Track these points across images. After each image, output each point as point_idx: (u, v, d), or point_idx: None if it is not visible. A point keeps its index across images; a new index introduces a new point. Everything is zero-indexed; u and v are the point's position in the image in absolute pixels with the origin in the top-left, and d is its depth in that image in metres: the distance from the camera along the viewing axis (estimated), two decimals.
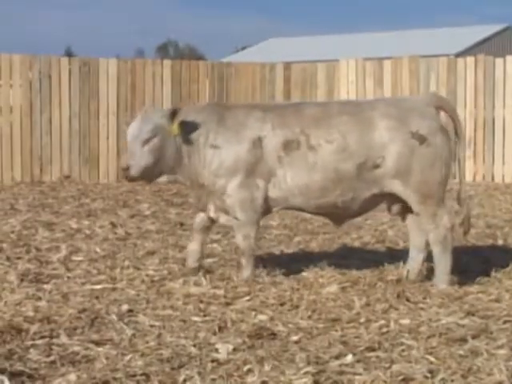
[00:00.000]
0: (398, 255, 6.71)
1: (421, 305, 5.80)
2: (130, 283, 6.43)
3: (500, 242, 8.24)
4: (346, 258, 7.18)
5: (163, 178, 6.98)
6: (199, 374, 4.41)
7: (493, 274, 6.69)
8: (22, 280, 6.44)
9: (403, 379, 4.36)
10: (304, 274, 6.62)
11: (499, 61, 14.45)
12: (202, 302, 5.86)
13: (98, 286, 6.30)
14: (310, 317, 5.50)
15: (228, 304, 5.83)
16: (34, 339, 4.96)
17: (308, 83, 15.45)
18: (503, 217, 9.98)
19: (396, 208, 6.57)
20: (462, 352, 4.76)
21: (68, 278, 6.60)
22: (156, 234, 8.73)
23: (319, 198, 6.40)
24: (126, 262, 7.14)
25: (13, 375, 4.33)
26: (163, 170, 6.53)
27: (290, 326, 5.30)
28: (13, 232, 8.66)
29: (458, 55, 29.63)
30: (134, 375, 4.39)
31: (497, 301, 5.94)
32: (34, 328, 5.14)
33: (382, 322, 5.37)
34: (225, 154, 6.43)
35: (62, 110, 13.87)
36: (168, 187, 12.44)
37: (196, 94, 14.68)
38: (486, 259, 7.17)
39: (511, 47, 45.03)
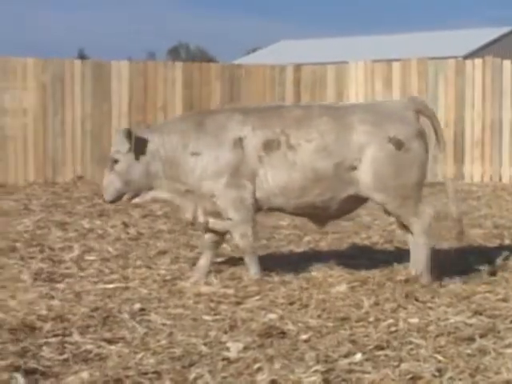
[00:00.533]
0: (407, 255, 6.73)
1: (429, 304, 5.83)
2: (141, 282, 6.49)
3: (507, 242, 8.26)
4: (355, 258, 7.22)
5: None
6: (210, 372, 4.45)
7: (500, 273, 6.73)
8: (35, 279, 6.52)
9: (411, 378, 4.39)
10: (313, 273, 6.67)
11: (507, 63, 14.49)
12: (212, 301, 5.91)
13: (111, 285, 6.37)
14: (319, 316, 5.54)
15: (238, 303, 5.88)
16: (47, 337, 5.02)
17: (318, 85, 15.50)
18: (510, 217, 9.99)
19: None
20: (469, 351, 4.79)
21: (81, 277, 6.67)
22: (168, 233, 8.79)
23: (298, 198, 6.46)
24: (138, 262, 7.21)
25: (26, 372, 4.38)
26: (139, 188, 6.58)
27: (300, 324, 5.34)
28: (26, 232, 8.74)
29: (466, 57, 29.56)
30: (146, 373, 4.43)
31: (504, 300, 5.97)
32: (47, 326, 5.20)
33: (391, 321, 5.40)
34: (207, 158, 6.47)
35: (75, 112, 13.97)
36: None
37: (207, 95, 14.74)
38: (493, 259, 7.20)
39: None
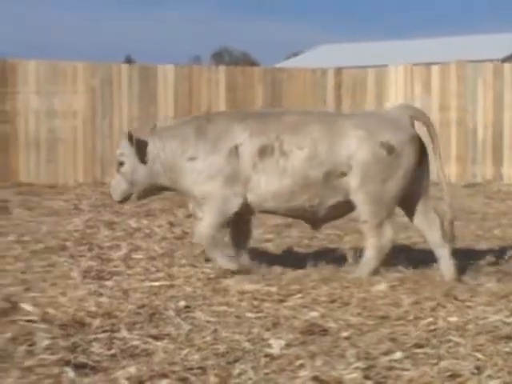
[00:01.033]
0: None
1: (468, 303, 5.85)
2: (186, 280, 6.58)
3: None
4: (394, 258, 7.23)
5: None
6: (253, 368, 4.51)
7: None
8: (84, 277, 6.65)
9: (450, 375, 4.42)
10: (354, 272, 6.74)
11: None
12: (255, 298, 5.98)
13: (157, 283, 6.46)
14: (359, 314, 5.60)
15: (281, 301, 5.94)
16: (96, 333, 5.10)
17: (358, 88, 15.54)
18: None
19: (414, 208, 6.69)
20: (508, 349, 4.81)
21: (128, 275, 6.77)
22: None
23: (287, 203, 6.59)
24: (183, 260, 7.29)
25: (76, 367, 4.47)
26: (144, 188, 6.85)
27: (341, 322, 5.40)
28: (76, 231, 8.89)
29: (504, 60, 29.34)
30: (191, 368, 4.49)
31: None
32: (96, 322, 5.29)
33: (430, 319, 5.43)
34: (201, 163, 6.65)
35: (122, 115, 14.18)
36: None
37: (250, 98, 14.86)
38: None
39: None
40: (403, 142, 6.53)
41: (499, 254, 7.28)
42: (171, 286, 6.40)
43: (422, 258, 7.21)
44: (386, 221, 6.57)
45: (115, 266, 7.13)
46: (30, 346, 4.82)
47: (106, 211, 10.42)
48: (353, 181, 6.50)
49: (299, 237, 8.66)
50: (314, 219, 6.77)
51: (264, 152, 6.58)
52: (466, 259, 7.10)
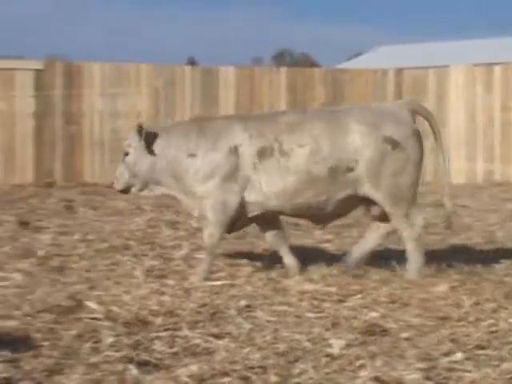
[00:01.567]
0: (507, 256, 6.73)
1: None
2: (247, 280, 6.63)
3: None
4: (455, 258, 7.21)
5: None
6: (313, 367, 4.53)
7: None
8: (147, 275, 6.74)
9: None
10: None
11: None
12: (315, 298, 6.01)
13: (218, 283, 6.52)
14: (420, 315, 5.59)
15: (341, 301, 5.97)
16: (158, 331, 5.17)
17: (419, 89, 15.46)
18: None
19: (376, 210, 6.76)
20: None
21: (190, 274, 6.84)
22: None
23: (293, 200, 6.63)
24: (244, 260, 7.35)
25: (139, 364, 4.54)
26: (146, 181, 6.94)
27: (401, 323, 5.40)
28: (139, 230, 9.01)
29: None
30: (252, 367, 4.52)
31: None
32: (158, 321, 5.37)
33: (491, 321, 5.41)
34: (201, 161, 6.74)
35: (185, 116, 14.31)
36: None
37: (311, 99, 14.88)
38: None
39: None
40: (406, 135, 6.63)
41: None
42: (232, 286, 6.46)
43: (482, 259, 7.16)
44: (411, 209, 6.65)
45: (177, 266, 7.21)
46: (95, 343, 4.92)
47: (168, 211, 10.52)
48: (362, 177, 6.60)
49: (359, 237, 8.64)
50: (321, 216, 6.83)
51: (264, 153, 6.67)
52: None
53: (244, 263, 7.25)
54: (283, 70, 15.36)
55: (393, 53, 49.25)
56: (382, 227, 6.84)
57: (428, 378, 4.43)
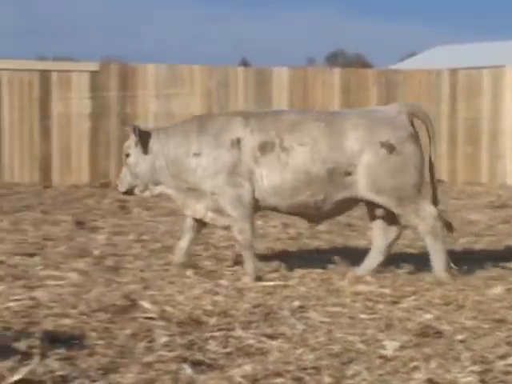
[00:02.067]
0: None
1: None
2: (300, 281, 6.63)
3: None
4: (510, 261, 7.15)
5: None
6: (367, 369, 4.52)
7: None
8: (201, 276, 6.78)
9: None
10: (469, 275, 6.67)
11: None
12: (369, 300, 6.00)
13: (271, 283, 6.53)
14: (475, 317, 5.54)
15: (394, 303, 5.94)
16: (212, 331, 5.19)
17: (474, 89, 15.31)
18: None
19: (380, 212, 6.79)
20: None
21: (243, 274, 6.84)
22: (326, 234, 8.93)
23: (291, 198, 6.68)
24: (297, 261, 7.36)
25: (193, 364, 4.56)
26: (147, 181, 7.02)
27: (456, 325, 5.36)
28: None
29: None
30: (305, 368, 4.52)
31: None
32: (212, 321, 5.40)
33: None
34: (206, 158, 6.79)
35: None
36: None
37: (365, 100, 14.81)
38: None
39: None
40: (403, 139, 6.65)
41: None
42: (285, 286, 6.46)
43: None
44: (419, 204, 6.64)
45: (230, 266, 7.24)
46: (149, 342, 4.96)
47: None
48: (361, 182, 6.64)
49: (414, 238, 8.60)
50: (317, 215, 6.88)
51: (265, 147, 6.73)
52: None
53: (297, 264, 7.25)
54: (337, 70, 15.33)
55: (447, 53, 48.82)
56: (390, 231, 6.84)
57: (483, 381, 4.39)
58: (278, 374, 4.46)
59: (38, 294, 6.06)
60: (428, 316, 5.58)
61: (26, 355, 4.52)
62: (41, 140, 14.40)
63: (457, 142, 15.37)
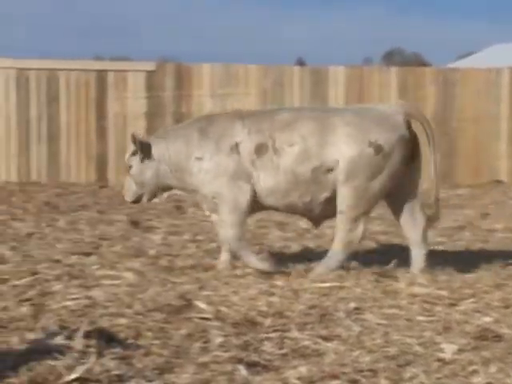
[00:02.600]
0: None
1: None
2: (356, 282, 6.57)
3: None
4: None
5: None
6: (424, 372, 4.48)
7: None
8: (256, 276, 6.75)
9: None
10: None
11: None
12: (426, 302, 5.94)
13: (327, 284, 6.48)
14: None
15: (452, 305, 5.88)
16: (267, 332, 5.19)
17: None
18: None
19: (401, 206, 6.78)
20: None
21: (298, 275, 6.76)
22: (382, 235, 8.85)
23: (283, 199, 6.74)
24: (353, 262, 7.31)
25: (248, 365, 4.56)
26: (153, 188, 7.13)
27: None
28: (248, 231, 9.00)
29: None
30: (361, 370, 4.50)
31: None
32: (267, 322, 5.39)
33: None
34: (207, 163, 6.82)
35: None
36: None
37: (422, 99, 14.67)
38: None
39: None
40: (392, 142, 6.57)
41: None
42: (341, 288, 6.43)
43: None
44: (361, 217, 6.67)
45: (285, 267, 7.21)
46: (205, 342, 4.97)
47: (276, 212, 10.52)
48: (339, 176, 6.59)
49: (472, 240, 8.52)
50: (311, 216, 6.93)
51: (260, 150, 6.74)
52: None
53: (352, 265, 7.18)
54: (393, 69, 15.22)
55: (505, 51, 48.19)
56: (418, 221, 6.79)
57: None
58: (334, 376, 4.44)
59: (95, 293, 6.11)
60: (487, 319, 5.51)
61: (83, 354, 4.56)
62: (97, 140, 14.54)
63: None
